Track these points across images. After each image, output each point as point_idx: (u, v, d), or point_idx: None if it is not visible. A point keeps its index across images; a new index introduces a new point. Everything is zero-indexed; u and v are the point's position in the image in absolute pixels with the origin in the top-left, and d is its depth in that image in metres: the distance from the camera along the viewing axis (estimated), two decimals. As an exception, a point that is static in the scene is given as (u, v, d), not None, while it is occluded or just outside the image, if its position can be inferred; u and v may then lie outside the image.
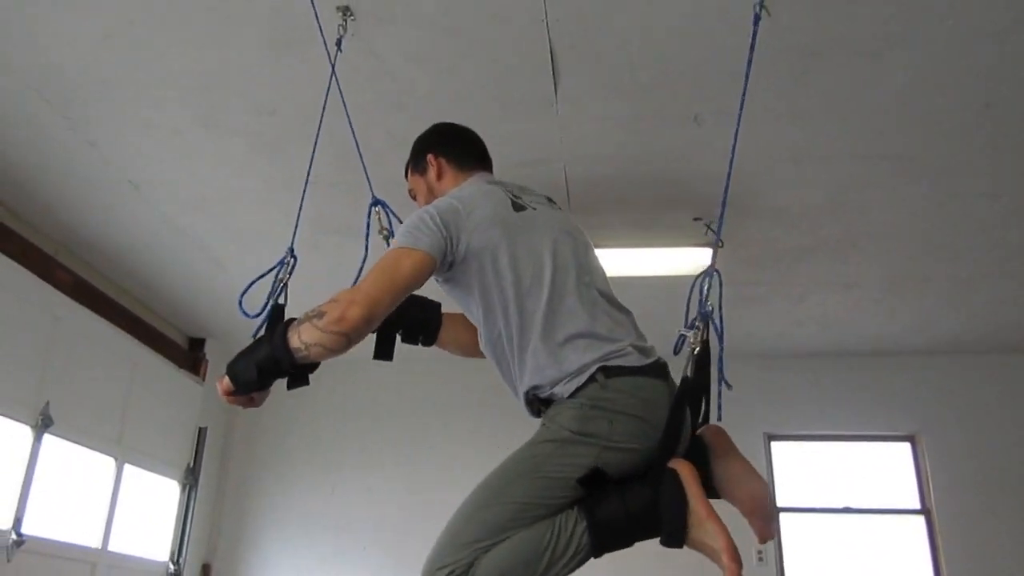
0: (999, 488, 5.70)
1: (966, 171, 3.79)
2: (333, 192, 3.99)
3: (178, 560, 5.59)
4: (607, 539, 1.64)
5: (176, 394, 5.70)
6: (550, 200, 2.12)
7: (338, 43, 2.79)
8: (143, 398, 5.28)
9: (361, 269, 2.20)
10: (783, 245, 4.53)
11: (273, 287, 2.14)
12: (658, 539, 1.67)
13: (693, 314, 1.97)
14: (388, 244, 2.29)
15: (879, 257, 4.66)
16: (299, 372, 1.78)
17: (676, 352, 1.97)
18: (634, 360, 1.76)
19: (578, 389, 1.71)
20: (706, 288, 1.99)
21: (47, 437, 4.35)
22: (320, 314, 1.66)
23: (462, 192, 1.93)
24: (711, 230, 4.23)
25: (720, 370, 2.01)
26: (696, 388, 1.81)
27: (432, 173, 2.14)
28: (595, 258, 1.99)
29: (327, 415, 6.29)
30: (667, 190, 4.01)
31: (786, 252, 4.61)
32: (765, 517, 1.76)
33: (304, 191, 2.69)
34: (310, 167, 2.77)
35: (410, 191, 2.24)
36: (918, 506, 5.85)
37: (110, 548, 4.89)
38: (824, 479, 6.03)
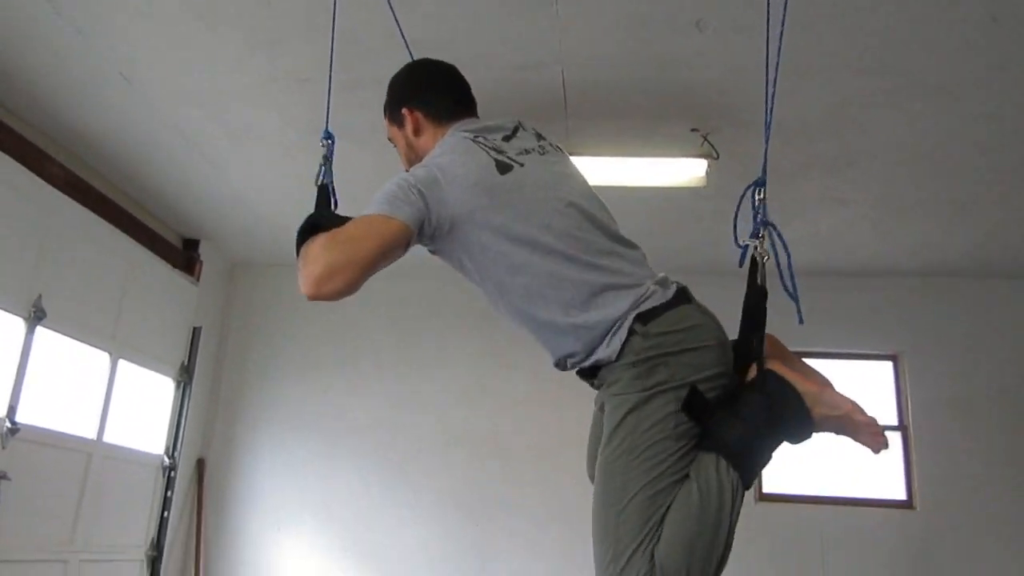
0: (975, 408, 5.85)
1: (969, 90, 3.75)
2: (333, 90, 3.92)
3: (173, 454, 5.73)
4: (748, 462, 1.61)
5: (170, 294, 5.74)
6: (539, 136, 1.98)
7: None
8: (137, 296, 5.32)
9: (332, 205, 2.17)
10: (779, 160, 4.51)
11: (319, 169, 2.18)
12: (790, 441, 1.67)
13: (744, 225, 1.96)
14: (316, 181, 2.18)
15: (876, 176, 4.65)
16: None
17: (741, 265, 1.94)
18: (660, 297, 1.70)
19: (623, 347, 1.64)
20: (757, 197, 1.94)
21: (40, 329, 4.40)
22: (304, 262, 1.61)
23: (442, 157, 1.78)
24: (707, 141, 4.20)
25: (792, 277, 1.95)
26: (763, 296, 1.80)
27: (409, 128, 2.01)
28: (597, 201, 1.87)
29: (320, 315, 6.35)
30: (666, 98, 3.96)
31: (781, 167, 4.59)
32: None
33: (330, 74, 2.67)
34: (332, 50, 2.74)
35: (390, 139, 2.13)
36: (895, 423, 6.01)
37: (105, 439, 5.00)
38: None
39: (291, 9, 3.41)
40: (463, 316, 6.36)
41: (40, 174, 4.44)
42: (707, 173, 4.32)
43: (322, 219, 1.70)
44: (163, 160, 4.87)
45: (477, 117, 2.04)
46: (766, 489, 5.92)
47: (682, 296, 1.74)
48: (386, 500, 5.94)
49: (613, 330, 1.65)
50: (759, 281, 1.82)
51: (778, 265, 1.90)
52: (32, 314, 4.34)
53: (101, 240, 4.97)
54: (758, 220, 1.92)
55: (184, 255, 6.04)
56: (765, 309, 1.79)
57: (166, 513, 5.62)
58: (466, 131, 1.88)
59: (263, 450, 6.22)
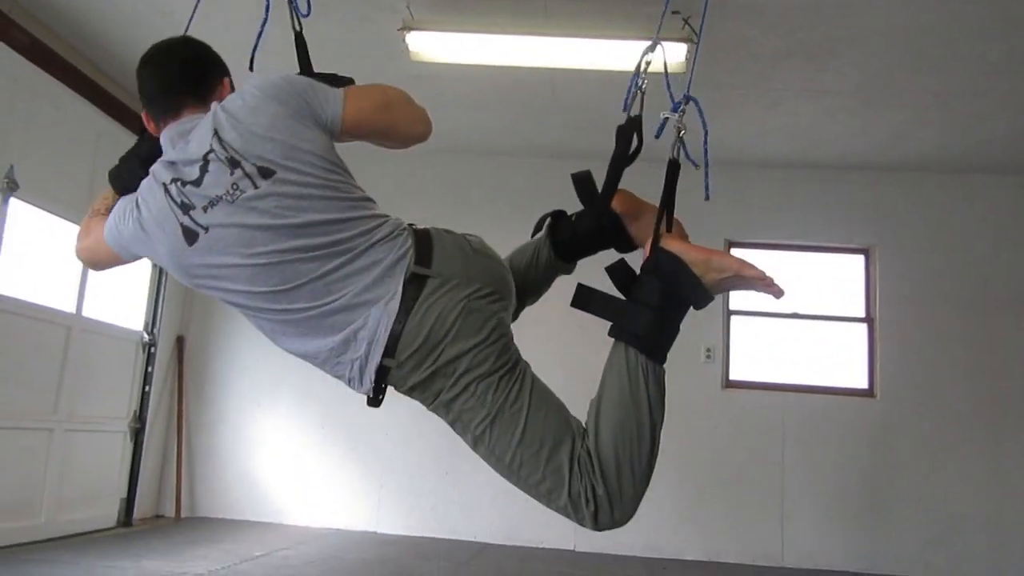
0: (942, 302, 5.99)
1: (955, -25, 3.68)
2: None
3: (152, 331, 5.81)
4: (654, 343, 1.69)
5: (144, 169, 5.69)
6: (232, 162, 1.53)
7: None
8: (108, 168, 5.25)
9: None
10: (759, 47, 4.44)
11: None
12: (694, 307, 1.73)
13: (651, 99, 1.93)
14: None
15: (857, 65, 4.59)
16: None
17: (657, 136, 1.94)
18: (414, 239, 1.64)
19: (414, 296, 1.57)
20: (644, 62, 1.95)
21: (13, 201, 4.38)
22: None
23: (143, 205, 1.62)
24: (688, 25, 4.12)
25: (705, 152, 1.99)
26: (675, 168, 1.82)
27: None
28: (312, 205, 1.55)
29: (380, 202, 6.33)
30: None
31: (762, 54, 4.53)
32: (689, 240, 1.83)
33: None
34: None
35: None
36: (863, 315, 6.15)
37: (84, 314, 5.06)
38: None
39: None
40: (515, 195, 6.38)
41: (4, 39, 4.32)
42: (687, 58, 4.25)
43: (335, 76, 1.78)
44: (128, 28, 4.72)
45: (181, 116, 1.66)
46: (732, 376, 6.10)
47: (427, 232, 1.69)
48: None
49: (391, 296, 1.58)
50: (674, 155, 1.84)
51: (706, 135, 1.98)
52: (5, 184, 4.31)
53: (70, 110, 4.89)
54: (684, 95, 1.92)
55: (156, 131, 5.94)
56: (675, 182, 1.83)
57: (147, 388, 5.74)
58: (162, 164, 1.61)
59: (241, 329, 6.31)
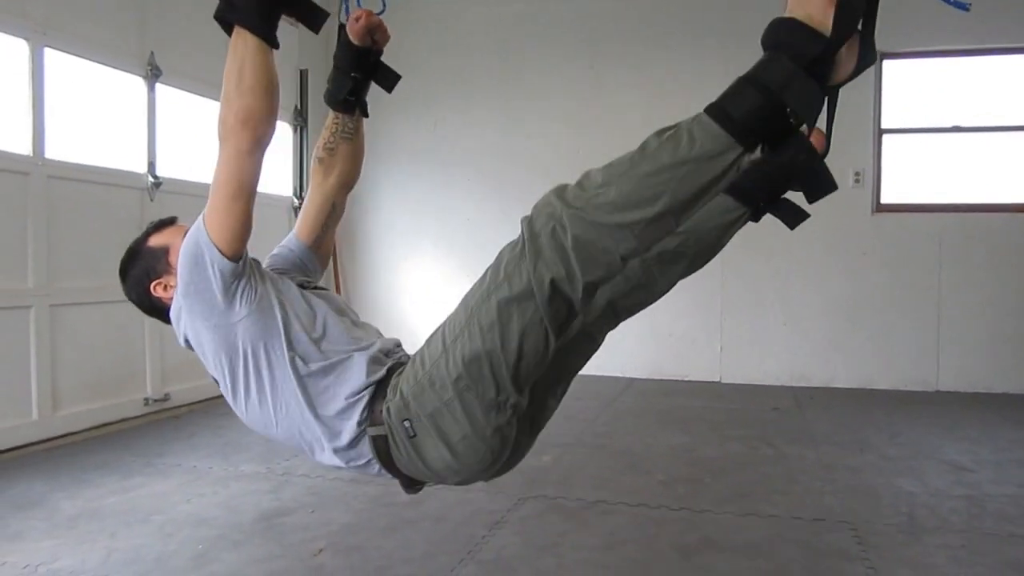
0: None
1: None
2: None
3: (300, 195, 6.11)
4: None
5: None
6: None
7: None
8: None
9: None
10: None
11: None
12: None
13: None
14: None
15: None
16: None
17: None
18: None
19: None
20: None
21: (159, 86, 4.60)
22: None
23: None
24: None
25: None
26: None
27: None
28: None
29: (426, 50, 6.30)
30: None
31: None
32: None
33: None
34: None
35: None
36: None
37: (238, 186, 5.36)
38: (934, 98, 5.77)
39: None
40: (564, 44, 6.17)
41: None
42: None
43: None
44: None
45: None
46: (884, 200, 5.79)
47: None
48: (500, 224, 6.22)
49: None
50: None
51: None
52: (149, 72, 4.53)
53: (198, -10, 4.98)
54: None
55: (282, -3, 5.98)
56: None
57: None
58: None
59: (381, 186, 6.53)
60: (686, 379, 5.96)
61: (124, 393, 4.40)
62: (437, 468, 1.50)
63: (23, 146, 3.83)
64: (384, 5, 1.88)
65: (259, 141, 1.48)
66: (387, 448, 1.50)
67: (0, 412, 3.70)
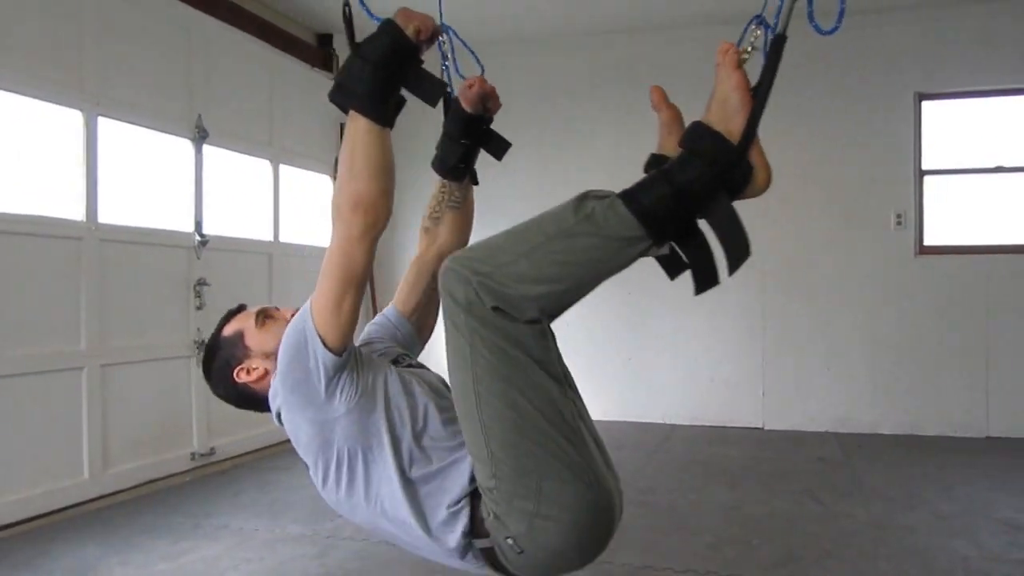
0: None
1: None
2: None
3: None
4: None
5: (313, 93, 5.89)
6: None
7: None
8: (284, 101, 5.53)
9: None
10: None
11: None
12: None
13: None
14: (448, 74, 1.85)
15: None
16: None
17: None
18: None
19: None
20: None
21: (206, 148, 4.73)
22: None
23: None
24: None
25: None
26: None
27: None
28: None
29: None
30: None
31: None
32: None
33: None
34: None
35: None
36: (1079, 162, 5.51)
37: (281, 239, 5.47)
38: (975, 139, 5.71)
39: None
40: (610, 83, 6.23)
41: (174, -6, 4.55)
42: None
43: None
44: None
45: None
46: (927, 241, 5.71)
47: None
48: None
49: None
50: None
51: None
52: (196, 134, 4.65)
53: (241, 51, 5.12)
54: None
55: (320, 52, 6.12)
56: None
57: (344, 298, 6.20)
58: None
59: (410, 226, 6.59)
60: (729, 425, 5.90)
61: (171, 449, 4.47)
62: (566, 565, 1.44)
63: (77, 212, 3.95)
64: (482, 68, 1.85)
65: (371, 227, 1.42)
66: (498, 560, 1.44)
67: (54, 472, 3.78)
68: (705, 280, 1.46)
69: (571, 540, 1.39)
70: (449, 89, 1.76)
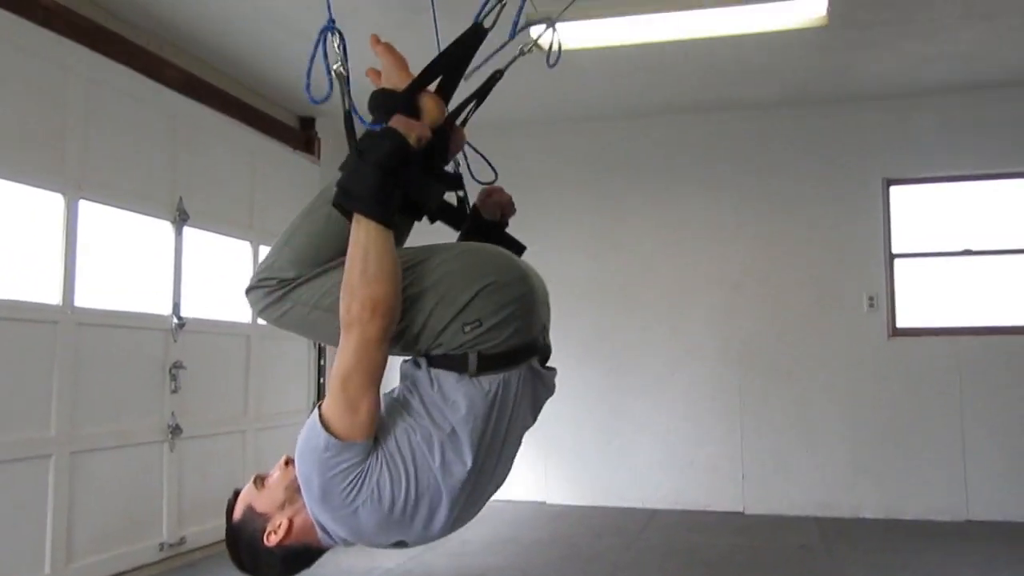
0: None
1: None
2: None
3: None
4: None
5: (295, 175, 5.96)
6: None
7: None
8: (265, 183, 5.57)
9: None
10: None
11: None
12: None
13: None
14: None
15: (1025, -13, 4.15)
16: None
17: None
18: None
19: None
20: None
21: (186, 230, 4.73)
22: None
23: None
24: (829, -25, 3.84)
25: None
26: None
27: None
28: None
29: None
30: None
31: (915, -10, 4.17)
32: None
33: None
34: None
35: None
36: (1043, 246, 5.66)
37: (260, 321, 5.42)
38: (943, 223, 5.87)
39: None
40: (578, 171, 6.36)
41: (160, 79, 4.61)
42: (828, 12, 3.98)
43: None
44: (268, 47, 4.92)
45: None
46: (900, 324, 5.80)
47: None
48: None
49: None
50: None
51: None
52: (177, 216, 4.67)
53: (224, 134, 5.18)
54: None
55: (302, 135, 6.20)
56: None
57: (321, 379, 6.14)
58: None
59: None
60: (709, 509, 5.84)
61: (140, 539, 4.34)
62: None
63: (53, 296, 3.91)
64: (496, 175, 1.93)
65: (388, 328, 1.45)
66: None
67: (11, 566, 3.64)
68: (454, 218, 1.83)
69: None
70: (463, 193, 1.86)
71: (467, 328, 1.50)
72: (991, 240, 5.76)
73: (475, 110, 1.86)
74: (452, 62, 1.67)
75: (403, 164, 1.49)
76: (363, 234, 1.45)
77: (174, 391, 4.54)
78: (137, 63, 4.46)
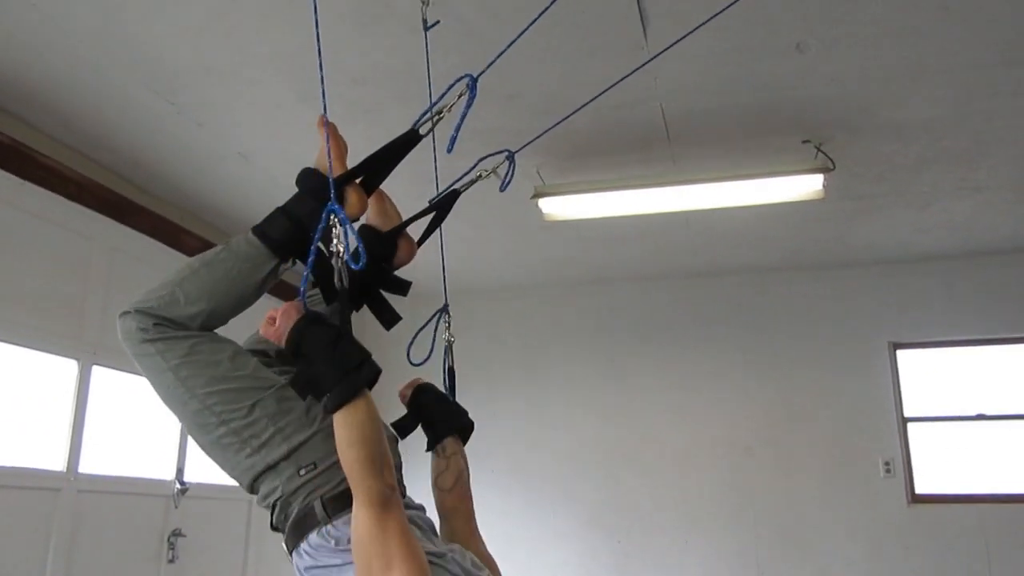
0: None
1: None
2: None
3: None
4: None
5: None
6: None
7: (423, 13, 2.76)
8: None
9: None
10: (902, 159, 4.28)
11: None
12: None
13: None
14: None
15: (1010, 162, 4.33)
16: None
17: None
18: None
19: None
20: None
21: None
22: None
23: None
24: (821, 152, 4.03)
25: None
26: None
27: None
28: None
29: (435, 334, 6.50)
30: (771, 119, 3.84)
31: (905, 164, 4.35)
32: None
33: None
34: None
35: None
36: (1054, 410, 5.59)
37: (262, 485, 5.35)
38: (954, 386, 5.83)
39: (383, 82, 3.52)
40: (584, 333, 6.42)
41: (177, 247, 4.78)
42: (824, 186, 4.15)
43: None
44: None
45: None
46: (919, 490, 5.64)
47: None
48: (528, 518, 6.05)
49: None
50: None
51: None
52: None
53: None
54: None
55: (315, 298, 6.33)
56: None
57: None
58: None
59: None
60: None
61: None
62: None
63: (58, 462, 3.89)
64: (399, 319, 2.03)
65: (399, 503, 1.51)
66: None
67: None
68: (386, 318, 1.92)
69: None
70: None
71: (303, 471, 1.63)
72: (1003, 404, 5.70)
73: (436, 226, 2.01)
74: (382, 161, 1.83)
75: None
76: (362, 414, 1.49)
77: (171, 560, 4.40)
78: (158, 232, 4.64)
